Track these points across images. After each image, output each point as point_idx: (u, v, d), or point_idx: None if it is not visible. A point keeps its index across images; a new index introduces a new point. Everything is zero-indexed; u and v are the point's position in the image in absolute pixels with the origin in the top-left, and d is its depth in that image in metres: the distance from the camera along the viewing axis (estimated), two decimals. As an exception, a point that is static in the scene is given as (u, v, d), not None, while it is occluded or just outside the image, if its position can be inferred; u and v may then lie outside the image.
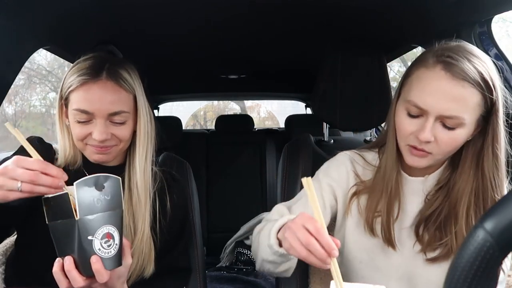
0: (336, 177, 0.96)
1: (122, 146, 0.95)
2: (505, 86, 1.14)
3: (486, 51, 1.17)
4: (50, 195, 0.73)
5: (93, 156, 0.94)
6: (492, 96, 0.78)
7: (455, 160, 0.87)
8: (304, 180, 0.69)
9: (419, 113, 0.80)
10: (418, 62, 0.83)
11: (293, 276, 1.11)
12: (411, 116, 0.82)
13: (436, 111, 0.77)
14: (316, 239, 0.68)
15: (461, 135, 0.79)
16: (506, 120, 0.83)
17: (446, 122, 0.78)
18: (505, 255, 0.45)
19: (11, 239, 1.07)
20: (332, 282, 0.68)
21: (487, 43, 1.18)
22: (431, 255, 0.88)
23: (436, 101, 0.77)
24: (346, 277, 0.99)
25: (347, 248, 0.95)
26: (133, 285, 0.96)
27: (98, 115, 0.89)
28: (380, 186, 0.90)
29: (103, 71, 0.90)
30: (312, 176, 1.02)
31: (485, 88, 0.76)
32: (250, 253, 2.21)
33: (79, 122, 0.90)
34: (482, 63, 0.78)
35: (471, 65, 0.76)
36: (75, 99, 0.90)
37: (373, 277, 0.93)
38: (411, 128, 0.82)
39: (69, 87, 0.90)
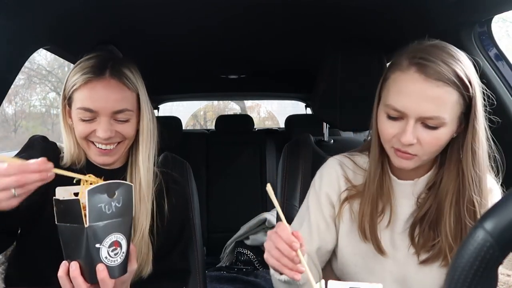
0: (328, 183, 0.97)
1: (127, 143, 0.96)
2: (504, 86, 1.15)
3: (486, 51, 1.17)
4: (61, 198, 0.72)
5: (97, 158, 0.94)
6: (469, 93, 0.77)
7: (443, 160, 0.87)
8: (268, 188, 0.74)
9: (398, 116, 0.80)
10: (393, 65, 0.84)
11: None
12: (391, 119, 0.82)
13: (415, 113, 0.77)
14: (279, 235, 0.72)
15: (444, 134, 0.79)
16: (489, 118, 0.83)
17: (428, 123, 0.78)
18: (505, 255, 0.45)
19: (11, 239, 1.07)
20: (329, 282, 0.68)
21: (487, 43, 1.18)
22: (424, 256, 0.88)
23: (413, 103, 0.77)
24: (342, 280, 0.99)
25: (341, 252, 0.96)
26: (131, 285, 0.96)
27: (102, 113, 0.89)
28: (368, 191, 0.90)
29: (107, 70, 0.90)
30: (312, 176, 1.03)
31: (461, 85, 0.76)
32: (250, 253, 2.21)
33: (83, 120, 0.90)
34: (456, 61, 0.77)
35: (445, 64, 0.76)
36: (79, 97, 0.90)
37: (368, 280, 0.93)
38: (393, 131, 0.82)
39: (72, 86, 0.90)
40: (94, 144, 0.92)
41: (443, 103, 0.76)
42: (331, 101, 1.29)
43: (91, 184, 0.75)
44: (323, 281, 0.68)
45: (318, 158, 1.22)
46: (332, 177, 0.96)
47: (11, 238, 0.97)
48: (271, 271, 0.84)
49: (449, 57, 0.78)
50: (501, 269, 0.89)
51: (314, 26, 1.32)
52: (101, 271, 0.71)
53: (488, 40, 1.18)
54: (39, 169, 0.71)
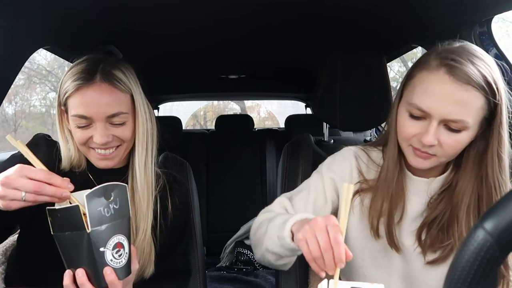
0: (339, 172, 0.96)
1: (126, 146, 0.95)
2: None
3: (486, 51, 1.17)
4: (57, 207, 0.72)
5: (98, 163, 0.94)
6: (496, 99, 0.77)
7: (459, 163, 0.87)
8: (345, 186, 0.69)
9: (421, 116, 0.80)
10: (420, 64, 0.82)
11: (293, 276, 1.11)
12: (413, 118, 0.81)
13: (440, 114, 0.77)
14: (332, 248, 0.68)
15: (465, 137, 0.79)
16: (510, 123, 0.83)
17: (451, 125, 0.77)
18: (505, 255, 0.45)
19: (11, 238, 1.07)
20: (330, 282, 0.68)
21: (487, 43, 1.18)
22: (431, 257, 0.88)
23: (439, 105, 0.76)
24: (349, 274, 0.99)
25: (349, 246, 0.95)
26: (133, 286, 0.96)
27: (97, 118, 0.88)
28: (383, 188, 0.90)
29: (97, 74, 0.89)
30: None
31: (489, 91, 0.76)
32: (250, 253, 2.21)
33: (79, 127, 0.89)
34: (485, 66, 0.77)
35: (475, 68, 0.76)
36: (73, 105, 0.89)
37: (375, 275, 0.93)
38: (414, 131, 0.81)
39: (65, 93, 0.90)
40: (94, 149, 0.92)
41: (469, 107, 0.76)
42: (331, 101, 1.29)
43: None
44: (325, 280, 0.68)
45: (318, 158, 1.22)
46: (345, 167, 0.95)
47: (5, 232, 0.97)
48: (285, 233, 0.78)
49: (480, 61, 0.77)
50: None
51: (314, 26, 1.32)
52: (109, 274, 0.71)
53: (488, 40, 1.18)
54: (61, 185, 0.72)
